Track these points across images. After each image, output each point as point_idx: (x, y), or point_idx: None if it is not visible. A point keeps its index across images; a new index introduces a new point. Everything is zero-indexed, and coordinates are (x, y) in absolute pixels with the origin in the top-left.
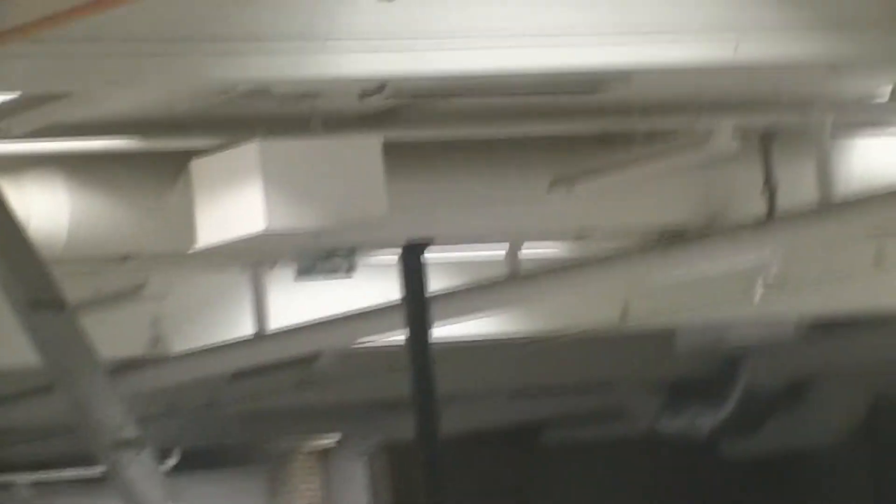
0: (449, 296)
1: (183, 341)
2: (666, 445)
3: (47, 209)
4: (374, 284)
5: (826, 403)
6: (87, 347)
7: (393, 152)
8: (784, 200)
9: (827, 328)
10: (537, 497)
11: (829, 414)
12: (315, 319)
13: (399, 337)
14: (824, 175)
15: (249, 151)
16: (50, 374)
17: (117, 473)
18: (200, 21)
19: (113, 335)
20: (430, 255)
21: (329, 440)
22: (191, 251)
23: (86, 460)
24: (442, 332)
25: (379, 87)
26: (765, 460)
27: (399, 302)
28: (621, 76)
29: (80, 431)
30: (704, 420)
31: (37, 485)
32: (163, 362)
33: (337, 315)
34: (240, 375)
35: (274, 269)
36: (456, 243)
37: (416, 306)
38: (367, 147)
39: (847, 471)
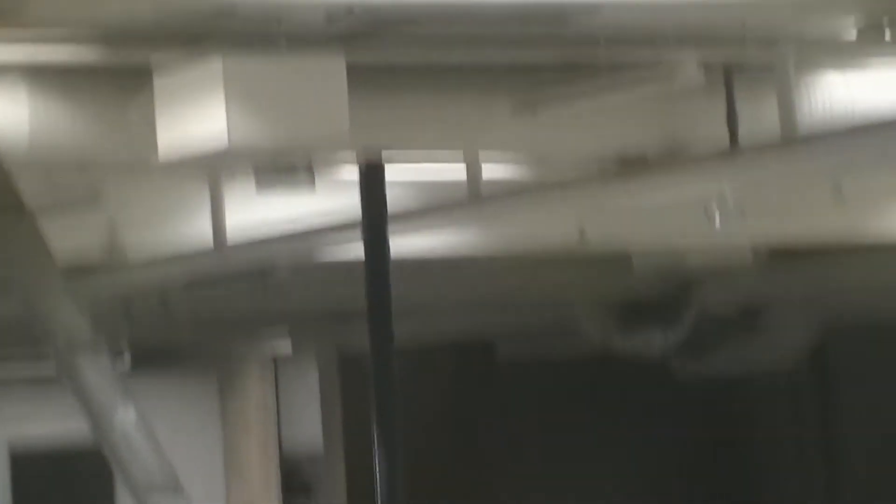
0: (408, 214)
1: (139, 247)
2: (619, 365)
3: (8, 116)
4: (335, 200)
5: (779, 330)
6: (46, 251)
7: (357, 74)
8: (746, 134)
9: (783, 257)
10: (490, 412)
11: (782, 340)
12: (273, 232)
13: (357, 252)
14: (786, 110)
15: (213, 67)
16: (6, 275)
17: (72, 376)
18: None
19: (70, 241)
20: (390, 175)
21: (283, 348)
22: (153, 161)
23: (41, 358)
24: (400, 249)
25: (346, 11)
26: (717, 383)
27: (358, 219)
28: (588, 8)
29: (36, 333)
30: (658, 342)
31: None
32: (118, 268)
33: (295, 228)
34: (196, 284)
35: (234, 182)
36: (417, 162)
37: (375, 221)
38: (331, 66)
39: (797, 396)
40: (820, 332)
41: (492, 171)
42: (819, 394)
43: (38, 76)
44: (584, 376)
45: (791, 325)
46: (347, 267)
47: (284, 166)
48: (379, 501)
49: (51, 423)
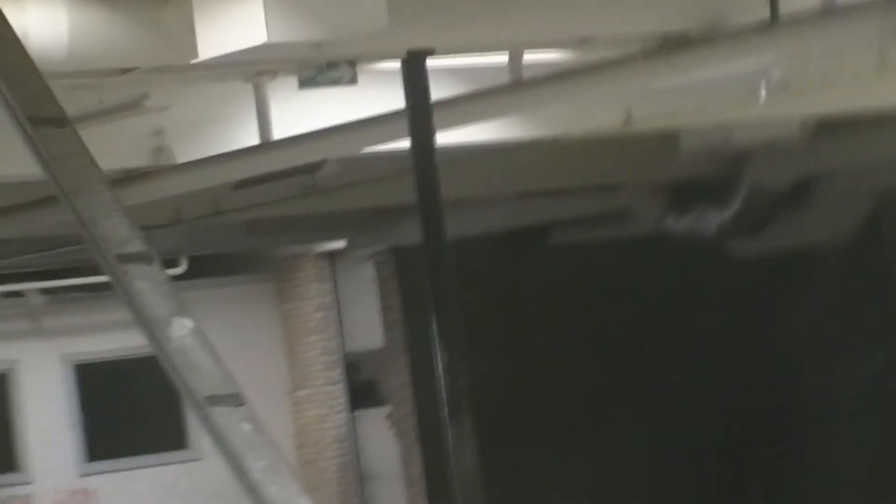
0: (452, 102)
1: (186, 152)
2: (672, 245)
3: (46, 24)
4: (378, 93)
5: (831, 202)
6: (90, 162)
7: None
8: (786, 6)
9: (831, 128)
10: (544, 298)
11: (834, 212)
12: (319, 128)
13: (403, 144)
14: None
15: None
16: (53, 189)
17: (124, 287)
18: None
19: (116, 147)
20: (432, 64)
21: (336, 245)
22: (192, 63)
23: (94, 269)
24: (446, 138)
25: None
26: (771, 259)
27: (402, 110)
28: None
29: (86, 245)
30: (710, 220)
31: (46, 293)
32: (166, 173)
33: (340, 123)
34: (244, 184)
35: (276, 80)
36: (458, 52)
37: (420, 113)
38: None
39: (853, 268)
40: (873, 201)
41: (534, 56)
42: (874, 264)
43: None
44: (636, 257)
45: (843, 197)
46: (395, 159)
47: (326, 61)
48: (442, 391)
49: (112, 335)
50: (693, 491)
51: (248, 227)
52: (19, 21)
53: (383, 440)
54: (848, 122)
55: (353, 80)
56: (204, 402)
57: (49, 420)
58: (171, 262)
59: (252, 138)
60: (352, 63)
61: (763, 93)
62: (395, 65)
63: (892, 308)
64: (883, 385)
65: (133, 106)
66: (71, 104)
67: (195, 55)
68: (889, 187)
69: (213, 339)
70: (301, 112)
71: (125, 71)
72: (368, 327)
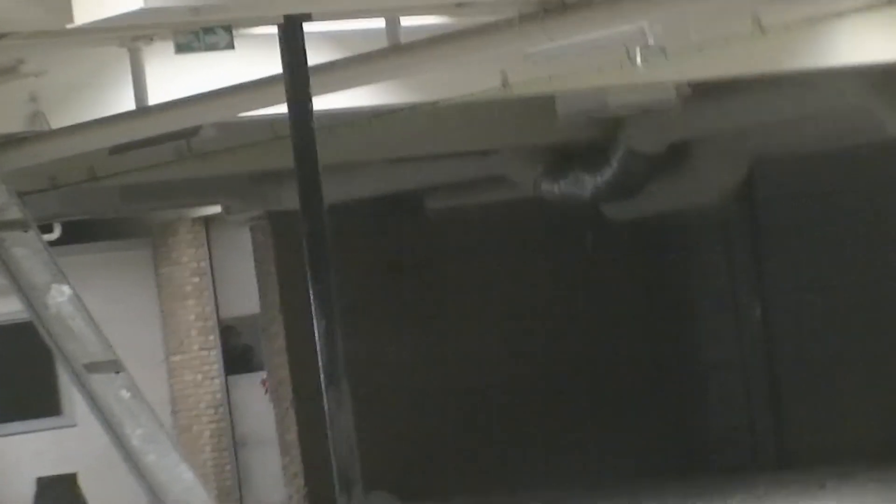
0: (329, 67)
1: (62, 118)
2: (548, 209)
3: None
4: (255, 58)
5: (706, 166)
6: None
7: None
8: None
9: (706, 92)
10: (420, 263)
11: (710, 176)
12: (195, 93)
13: (281, 109)
14: None
15: None
16: None
17: (1, 254)
18: None
19: None
20: (309, 29)
21: (212, 210)
22: (67, 28)
23: None
24: (323, 103)
25: None
26: (646, 223)
27: (280, 75)
28: None
29: None
30: (586, 184)
31: None
32: (42, 138)
33: (217, 88)
34: (120, 149)
35: (153, 45)
36: (335, 18)
37: (297, 78)
38: None
39: (726, 232)
40: (748, 165)
41: (411, 21)
42: (748, 227)
43: None
44: (513, 222)
45: (718, 160)
46: (272, 123)
47: (202, 27)
48: (319, 356)
49: None
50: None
51: (124, 193)
52: None
53: (259, 406)
54: (724, 86)
55: (229, 46)
56: (82, 370)
57: None
58: (45, 228)
59: (128, 103)
60: (228, 28)
61: (639, 57)
62: (273, 30)
63: (764, 270)
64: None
65: (8, 71)
66: None
67: (71, 20)
68: (762, 151)
69: (89, 305)
70: (178, 77)
71: (1, 35)
72: (244, 292)
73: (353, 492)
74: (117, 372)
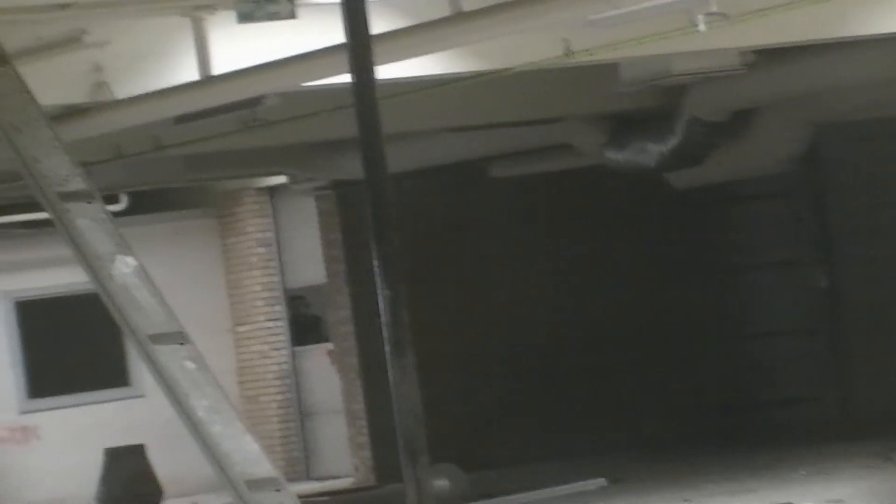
0: (392, 35)
1: (126, 88)
2: (612, 177)
3: None
4: (317, 27)
5: (771, 133)
6: (30, 100)
7: None
8: None
9: (770, 58)
10: (486, 230)
11: (774, 143)
12: (258, 62)
13: (344, 78)
14: None
15: None
16: None
17: (66, 225)
18: None
19: (55, 83)
20: None
21: (277, 180)
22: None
23: (36, 206)
24: (386, 72)
25: None
26: (711, 190)
27: (342, 43)
28: None
29: (27, 183)
30: (650, 152)
31: None
32: (107, 108)
33: (280, 58)
34: (184, 119)
35: (215, 14)
36: None
37: (360, 47)
38: None
39: (792, 197)
40: (813, 130)
41: None
42: (815, 193)
43: None
44: (577, 190)
45: (782, 127)
46: (335, 93)
47: None
48: (383, 325)
49: (54, 272)
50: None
51: (189, 162)
52: None
53: (325, 376)
54: (786, 52)
55: (291, 15)
56: (147, 341)
57: None
58: (111, 199)
59: (192, 73)
60: None
61: (701, 23)
62: None
63: (831, 235)
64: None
65: (71, 41)
66: (9, 41)
67: None
68: (826, 117)
69: (155, 275)
70: (240, 46)
71: (63, 6)
72: (310, 262)
73: (418, 462)
74: (182, 343)
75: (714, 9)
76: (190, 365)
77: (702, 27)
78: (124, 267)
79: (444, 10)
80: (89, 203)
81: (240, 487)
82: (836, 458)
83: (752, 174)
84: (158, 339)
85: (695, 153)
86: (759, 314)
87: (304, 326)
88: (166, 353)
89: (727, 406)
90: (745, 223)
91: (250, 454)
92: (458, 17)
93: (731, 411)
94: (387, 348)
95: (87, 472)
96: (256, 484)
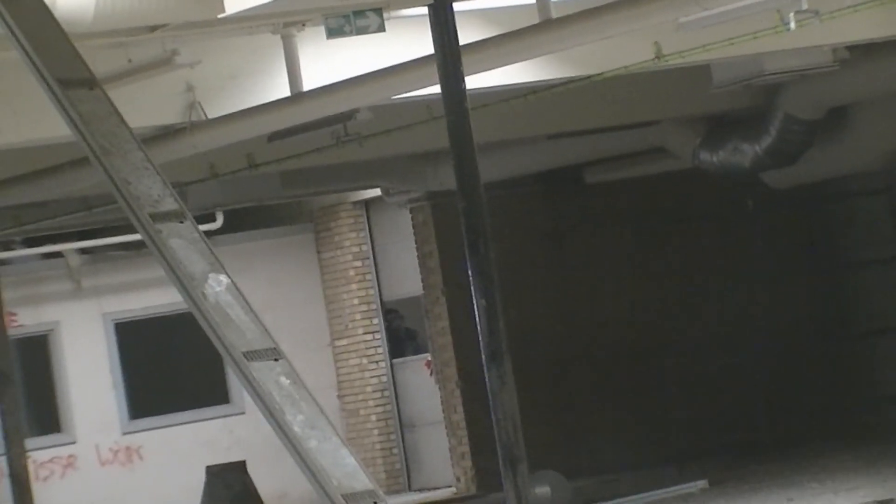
0: (481, 45)
1: (218, 107)
2: (708, 179)
3: None
4: (407, 39)
5: (867, 129)
6: (120, 122)
7: None
8: None
9: (864, 54)
10: (582, 235)
11: (870, 139)
12: (349, 77)
13: (434, 89)
14: None
15: None
16: (85, 151)
17: (158, 246)
18: None
19: (148, 105)
20: (459, 7)
21: (372, 193)
22: (219, 17)
23: (132, 227)
24: (476, 81)
25: None
26: (808, 188)
27: (432, 55)
28: None
29: (120, 204)
30: (745, 152)
31: (85, 252)
32: (200, 127)
33: (370, 71)
34: (277, 136)
35: (304, 31)
36: None
37: (449, 58)
38: None
39: (890, 195)
40: None
41: None
42: None
43: None
44: (673, 192)
45: (878, 123)
46: (427, 104)
47: (353, 10)
48: (479, 334)
49: (151, 292)
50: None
51: (283, 179)
52: None
53: (424, 387)
54: (879, 48)
55: (380, 28)
56: (241, 358)
57: (91, 379)
58: (208, 217)
59: (283, 90)
60: (379, 10)
61: (792, 21)
62: (423, 10)
63: None
64: None
65: (163, 63)
66: (100, 64)
67: (222, 9)
68: None
69: (253, 292)
70: (331, 62)
71: (153, 28)
72: (406, 275)
73: (518, 470)
74: (276, 359)
75: (805, 6)
76: (285, 381)
77: (792, 25)
78: (217, 285)
79: (533, 18)
80: (181, 223)
81: (337, 501)
82: None
83: (850, 171)
84: (253, 355)
85: (790, 152)
86: (862, 313)
87: (401, 339)
88: (261, 370)
89: (829, 406)
90: (847, 221)
91: (347, 468)
92: (548, 24)
93: (834, 411)
94: (483, 357)
95: (190, 491)
96: (354, 497)
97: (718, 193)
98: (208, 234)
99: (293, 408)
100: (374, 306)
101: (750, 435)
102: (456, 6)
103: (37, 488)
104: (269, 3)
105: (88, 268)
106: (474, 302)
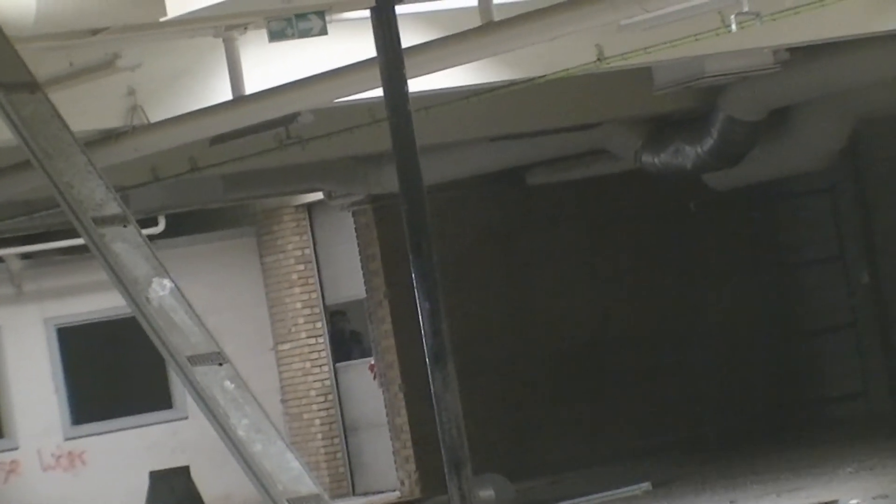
0: (423, 48)
1: (160, 110)
2: (650, 181)
3: None
4: (349, 42)
5: (809, 129)
6: (62, 126)
7: None
8: None
9: (805, 56)
10: (528, 235)
11: (813, 140)
12: (291, 80)
13: (377, 92)
14: None
15: None
16: (27, 154)
17: (102, 250)
18: None
19: (90, 108)
20: (402, 10)
21: (314, 196)
22: (161, 20)
23: (74, 232)
24: (419, 84)
25: None
26: (750, 190)
27: (374, 58)
28: None
29: (62, 208)
30: (686, 154)
31: (26, 257)
32: (141, 131)
33: (313, 74)
34: (220, 139)
35: (247, 34)
36: None
37: (392, 61)
38: None
39: (832, 195)
40: (851, 127)
41: None
42: (855, 189)
43: None
44: (614, 194)
45: (820, 124)
46: (369, 107)
47: (295, 13)
48: (423, 336)
49: (94, 297)
50: None
51: (226, 182)
52: None
53: (368, 391)
54: (820, 49)
55: (323, 31)
56: (185, 362)
57: (33, 384)
58: (150, 221)
59: (225, 93)
60: (321, 13)
61: (734, 23)
62: (366, 13)
63: (874, 230)
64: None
65: (105, 66)
66: (42, 68)
67: (164, 12)
68: (864, 113)
69: (196, 296)
70: (273, 65)
71: (95, 31)
72: (349, 278)
73: (462, 473)
74: (220, 363)
75: (746, 8)
76: (229, 385)
77: (734, 27)
78: (160, 289)
79: (475, 21)
80: (125, 227)
81: None
82: (882, 454)
83: (793, 172)
84: (197, 360)
85: (732, 153)
86: (806, 311)
87: (345, 342)
88: (205, 374)
89: (775, 404)
90: (791, 220)
91: (293, 472)
92: (490, 27)
93: (779, 410)
94: (427, 359)
95: (134, 496)
96: (299, 501)
97: (663, 194)
98: (151, 238)
99: (238, 412)
100: (317, 310)
101: (696, 432)
102: (398, 9)
103: None
104: (211, 6)
105: (30, 272)
106: (417, 304)
